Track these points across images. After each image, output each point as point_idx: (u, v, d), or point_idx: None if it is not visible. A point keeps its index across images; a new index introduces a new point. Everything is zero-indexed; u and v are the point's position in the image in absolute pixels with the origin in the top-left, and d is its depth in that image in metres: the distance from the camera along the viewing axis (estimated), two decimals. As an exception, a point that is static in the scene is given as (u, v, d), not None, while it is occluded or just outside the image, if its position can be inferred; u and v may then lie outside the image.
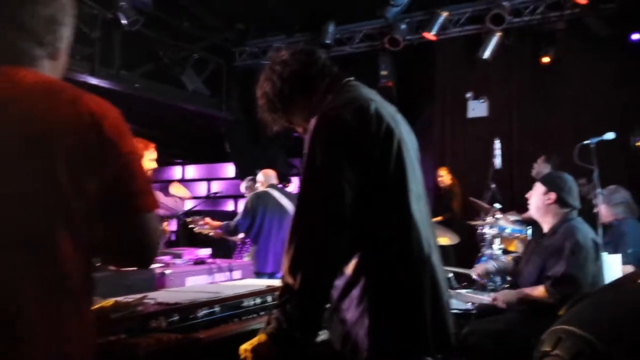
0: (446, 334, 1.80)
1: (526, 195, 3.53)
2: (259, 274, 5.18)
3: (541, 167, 6.06)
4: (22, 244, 1.23)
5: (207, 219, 5.45)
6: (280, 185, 5.80)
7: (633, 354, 1.38)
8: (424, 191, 1.93)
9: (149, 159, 4.23)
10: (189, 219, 5.47)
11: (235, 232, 5.48)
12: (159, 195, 4.24)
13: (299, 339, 1.68)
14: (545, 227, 3.40)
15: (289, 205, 5.55)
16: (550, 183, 3.38)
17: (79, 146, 1.28)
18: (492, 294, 3.51)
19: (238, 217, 5.47)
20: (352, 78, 1.98)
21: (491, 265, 3.82)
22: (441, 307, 1.79)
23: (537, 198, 3.39)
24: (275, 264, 5.30)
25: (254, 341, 1.71)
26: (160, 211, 4.25)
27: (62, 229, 1.26)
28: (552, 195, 3.31)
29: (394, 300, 1.73)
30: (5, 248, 1.22)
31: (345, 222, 1.69)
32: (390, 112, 1.88)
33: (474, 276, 3.84)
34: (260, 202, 5.41)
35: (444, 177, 7.73)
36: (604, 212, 4.31)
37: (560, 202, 3.31)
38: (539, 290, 3.17)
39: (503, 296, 3.34)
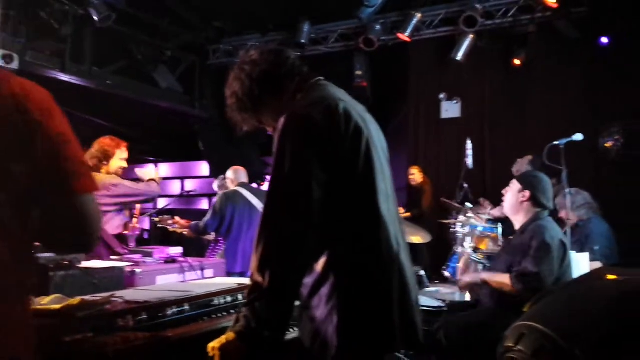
0: (414, 331, 1.82)
1: (502, 191, 3.58)
2: (228, 274, 5.15)
3: (523, 166, 6.14)
4: None
5: (177, 218, 5.40)
6: (254, 185, 5.78)
7: (592, 350, 1.41)
8: (393, 190, 1.95)
9: (120, 158, 4.16)
10: (157, 219, 5.41)
11: (204, 232, 5.44)
12: (127, 183, 4.14)
13: (268, 337, 1.68)
14: (517, 225, 3.46)
15: (258, 205, 5.53)
16: (526, 182, 3.44)
17: (2, 129, 1.24)
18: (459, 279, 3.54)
19: (207, 217, 5.43)
20: (321, 78, 1.99)
21: (466, 255, 3.85)
22: (409, 304, 1.81)
23: (512, 195, 3.44)
24: (244, 264, 5.28)
25: (222, 339, 1.70)
26: (136, 197, 4.18)
27: None
28: (527, 194, 3.37)
29: (363, 298, 1.74)
30: None
31: (314, 220, 1.70)
32: (359, 112, 1.89)
33: (461, 283, 3.81)
34: (229, 202, 5.37)
35: (415, 175, 7.79)
36: (567, 216, 4.42)
37: (534, 200, 3.36)
38: (503, 277, 3.21)
39: (469, 277, 3.40)
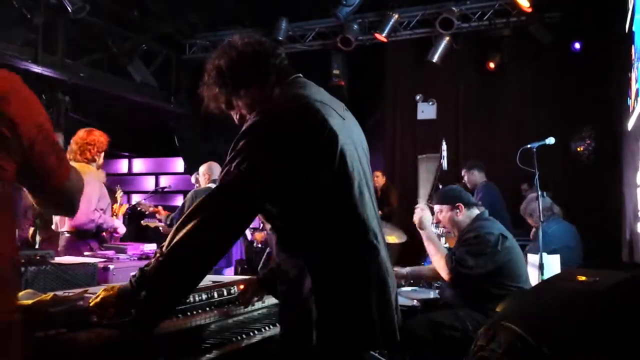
0: (392, 329, 1.83)
1: (434, 222, 3.75)
2: None
3: (476, 176, 6.30)
4: None
5: (159, 208, 5.41)
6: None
7: (561, 348, 1.45)
8: (373, 189, 1.96)
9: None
10: (138, 204, 5.40)
11: (171, 225, 5.42)
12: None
13: (142, 301, 1.70)
14: (463, 230, 3.58)
15: None
16: (450, 198, 3.59)
17: None
18: (437, 292, 3.61)
19: (176, 213, 5.41)
20: (300, 75, 1.98)
21: (405, 271, 3.91)
22: (388, 302, 1.82)
23: (449, 216, 3.57)
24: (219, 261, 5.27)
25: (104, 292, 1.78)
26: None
27: None
28: (460, 206, 3.52)
29: (341, 295, 1.75)
30: None
31: (241, 225, 1.77)
32: (337, 110, 1.89)
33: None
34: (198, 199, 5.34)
35: (379, 178, 7.83)
36: (530, 221, 4.52)
37: (467, 206, 3.53)
38: (440, 255, 3.36)
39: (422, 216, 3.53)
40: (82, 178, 1.58)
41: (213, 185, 5.52)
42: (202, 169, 5.69)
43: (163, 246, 1.72)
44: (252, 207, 1.75)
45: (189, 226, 1.67)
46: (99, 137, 4.14)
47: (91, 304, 1.78)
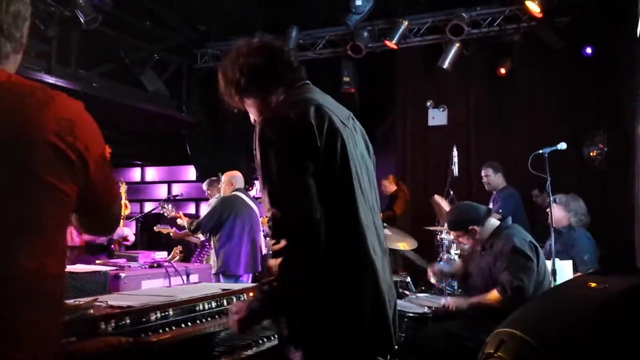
0: (388, 338, 1.82)
1: (460, 251, 3.71)
2: (228, 276, 5.18)
3: (500, 179, 6.20)
4: None
5: (181, 214, 5.46)
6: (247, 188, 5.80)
7: (570, 355, 1.43)
8: (376, 197, 1.96)
9: None
10: (161, 206, 5.45)
11: (195, 231, 5.45)
12: None
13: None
14: (485, 242, 3.54)
15: (255, 208, 5.56)
16: (464, 223, 3.55)
17: (52, 148, 1.28)
18: (448, 299, 3.59)
19: (202, 217, 5.43)
20: (308, 81, 2.00)
21: (447, 268, 3.92)
22: (383, 311, 1.81)
23: (468, 239, 3.57)
24: (247, 266, 5.32)
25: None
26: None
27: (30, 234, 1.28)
28: (476, 228, 3.50)
29: (334, 303, 1.75)
30: None
31: (317, 210, 1.72)
32: (341, 117, 1.90)
33: (429, 272, 3.93)
34: (228, 206, 5.39)
35: (387, 187, 7.77)
36: (559, 215, 4.44)
37: (480, 224, 3.50)
38: (491, 295, 3.25)
39: (454, 302, 3.44)
40: (121, 198, 1.65)
41: (239, 194, 5.56)
42: (225, 177, 5.73)
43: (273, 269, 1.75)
44: (307, 188, 1.73)
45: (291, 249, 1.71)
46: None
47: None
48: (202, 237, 5.91)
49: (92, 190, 1.41)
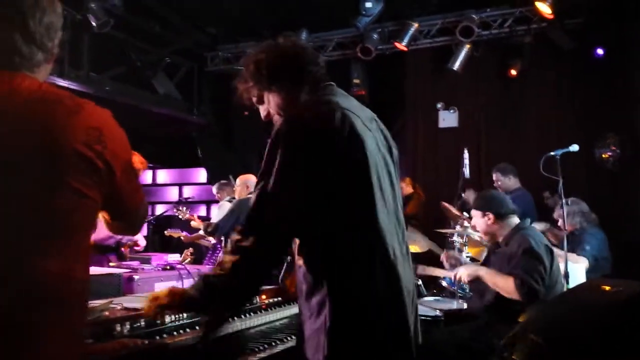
0: (407, 341, 1.81)
1: (471, 226, 3.68)
2: None
3: (512, 182, 6.17)
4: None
5: (195, 216, 5.49)
6: (251, 191, 5.80)
7: (580, 357, 1.43)
8: (398, 200, 1.95)
9: None
10: (176, 208, 5.48)
11: (213, 232, 5.48)
12: None
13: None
14: (498, 239, 3.51)
15: None
16: (483, 205, 3.54)
17: (80, 156, 1.31)
18: (458, 270, 3.55)
19: (219, 219, 5.46)
20: (332, 83, 2.01)
21: (462, 256, 3.90)
22: (403, 315, 1.80)
23: (480, 223, 3.54)
24: None
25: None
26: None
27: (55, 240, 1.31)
28: (490, 215, 3.48)
29: (354, 308, 1.74)
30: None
31: (291, 222, 1.75)
32: (364, 119, 1.89)
33: (443, 257, 3.91)
34: (245, 209, 5.39)
35: (404, 188, 7.78)
36: (563, 225, 4.44)
37: (499, 217, 3.47)
38: (505, 280, 3.21)
39: (466, 269, 3.42)
40: (146, 203, 1.68)
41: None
42: (239, 181, 5.76)
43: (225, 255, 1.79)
44: (293, 214, 1.76)
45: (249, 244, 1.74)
46: (137, 163, 4.25)
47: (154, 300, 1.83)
48: (213, 240, 5.93)
49: (118, 196, 1.46)
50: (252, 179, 5.77)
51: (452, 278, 3.54)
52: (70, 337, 1.34)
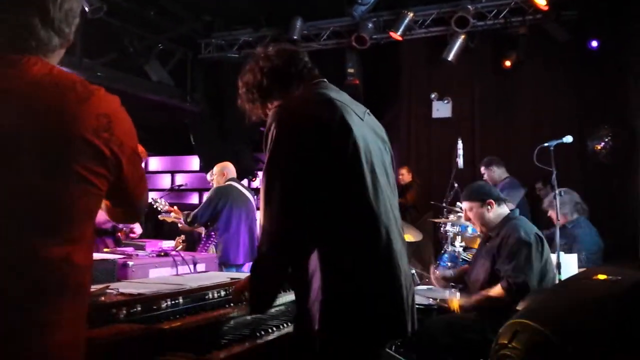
0: (402, 323, 1.85)
1: (464, 219, 3.70)
2: (229, 266, 5.21)
3: (496, 172, 6.21)
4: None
5: (175, 208, 5.48)
6: (245, 181, 5.81)
7: (584, 347, 1.45)
8: (393, 189, 1.99)
9: None
10: (153, 200, 5.46)
11: (192, 223, 5.47)
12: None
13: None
14: (489, 229, 3.53)
15: (251, 197, 5.59)
16: (480, 195, 3.56)
17: (87, 144, 1.31)
18: (453, 291, 3.59)
19: (198, 209, 5.47)
20: (324, 80, 2.07)
21: (449, 273, 3.92)
22: (398, 299, 1.84)
23: (479, 213, 3.53)
24: (245, 255, 5.34)
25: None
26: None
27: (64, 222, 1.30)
28: (491, 202, 3.50)
29: (349, 290, 1.79)
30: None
31: (301, 208, 1.79)
32: (357, 111, 1.95)
33: (432, 278, 3.92)
34: (223, 196, 5.43)
35: (404, 175, 7.87)
36: (554, 216, 4.46)
37: (497, 202, 3.51)
38: (495, 290, 3.25)
39: (460, 302, 3.43)
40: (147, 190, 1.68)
41: (233, 183, 5.58)
42: (217, 169, 5.75)
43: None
44: (294, 198, 1.80)
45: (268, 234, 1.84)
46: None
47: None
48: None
49: (124, 185, 1.45)
50: (228, 166, 5.76)
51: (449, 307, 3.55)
52: (76, 323, 1.34)
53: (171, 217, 5.65)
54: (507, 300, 3.14)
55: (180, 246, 3.87)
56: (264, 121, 2.09)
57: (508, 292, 3.15)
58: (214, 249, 5.39)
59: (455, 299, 3.43)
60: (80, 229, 1.34)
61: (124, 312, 1.88)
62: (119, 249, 3.28)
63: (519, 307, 1.95)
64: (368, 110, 2.06)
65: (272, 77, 2.04)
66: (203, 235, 5.70)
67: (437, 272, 3.96)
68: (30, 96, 1.29)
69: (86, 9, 6.57)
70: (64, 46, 1.44)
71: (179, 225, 5.62)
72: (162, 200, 5.64)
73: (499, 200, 3.52)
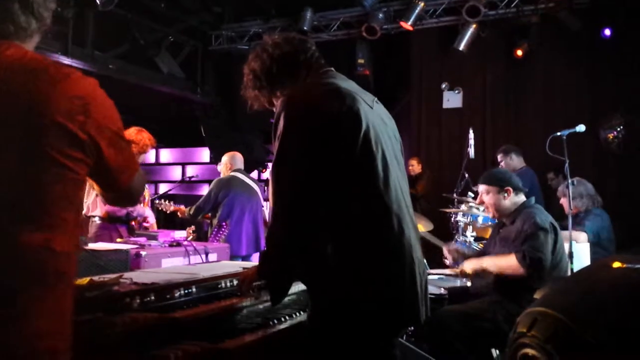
0: (415, 309, 1.85)
1: (477, 203, 3.68)
2: (233, 257, 5.22)
3: (515, 161, 6.15)
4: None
5: (181, 207, 5.51)
6: (255, 172, 5.81)
7: (605, 336, 1.44)
8: (403, 178, 1.98)
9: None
10: (157, 202, 5.49)
11: (196, 215, 5.50)
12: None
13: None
14: (504, 217, 3.51)
15: (256, 188, 5.59)
16: (499, 181, 3.54)
17: (61, 128, 1.28)
18: (458, 267, 3.57)
19: (200, 201, 5.50)
20: (331, 69, 2.05)
21: (464, 247, 3.91)
22: (411, 286, 1.83)
23: (495, 199, 3.51)
24: (248, 246, 5.35)
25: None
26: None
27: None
28: (509, 189, 3.47)
29: (361, 278, 1.79)
30: None
31: (311, 199, 1.78)
32: (366, 99, 1.94)
33: (445, 252, 3.91)
34: (224, 188, 5.43)
35: (414, 166, 7.86)
36: (566, 205, 4.43)
37: (515, 191, 3.48)
38: (507, 260, 3.24)
39: (469, 263, 3.42)
40: (144, 174, 1.66)
41: (237, 174, 5.59)
42: (224, 159, 5.77)
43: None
44: (304, 189, 1.80)
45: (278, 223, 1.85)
46: (146, 140, 4.29)
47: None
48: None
49: (106, 169, 1.42)
50: (235, 156, 5.77)
51: (458, 274, 3.54)
52: (56, 312, 1.31)
53: (179, 215, 5.68)
54: (517, 273, 3.14)
55: (191, 237, 3.90)
56: (274, 112, 2.09)
57: (521, 263, 3.14)
58: (225, 240, 5.41)
59: (465, 266, 3.42)
60: (60, 215, 1.31)
61: (138, 301, 1.89)
62: (131, 239, 3.31)
63: (537, 296, 1.94)
64: (376, 99, 2.05)
65: (281, 64, 2.02)
66: (214, 225, 5.73)
67: (451, 245, 3.95)
68: (2, 80, 1.27)
69: (97, 1, 6.60)
70: (41, 30, 1.42)
71: (179, 214, 5.65)
72: (166, 201, 5.65)
73: (517, 189, 3.49)
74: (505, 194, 3.45)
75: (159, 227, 4.78)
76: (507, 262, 3.22)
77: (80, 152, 1.32)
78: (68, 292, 1.37)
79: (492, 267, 3.31)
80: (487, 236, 4.59)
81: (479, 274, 3.39)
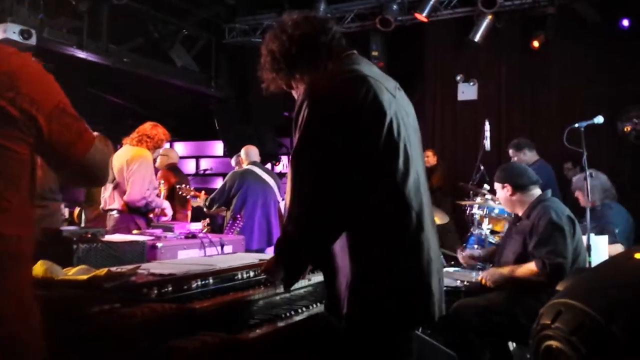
0: (431, 310, 1.82)
1: (495, 199, 3.66)
2: (246, 251, 5.24)
3: (527, 156, 6.09)
4: None
5: (202, 193, 5.56)
6: (268, 165, 5.83)
7: (630, 328, 1.41)
8: (422, 169, 1.94)
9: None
10: (178, 187, 5.55)
11: (210, 207, 5.55)
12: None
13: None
14: (520, 212, 3.48)
15: (271, 182, 5.60)
16: (501, 177, 3.52)
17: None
18: (480, 274, 3.57)
19: (214, 193, 5.53)
20: (355, 51, 1.98)
21: (477, 252, 3.89)
22: (428, 285, 1.81)
23: (501, 195, 3.53)
24: (260, 240, 5.36)
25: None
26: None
27: None
28: (508, 187, 3.45)
29: (379, 272, 1.77)
30: None
31: (332, 191, 1.73)
32: (389, 87, 1.88)
33: (459, 257, 3.90)
34: (238, 180, 5.47)
35: (429, 157, 7.80)
36: (582, 199, 4.38)
37: (518, 188, 3.43)
38: (527, 267, 3.21)
39: (490, 275, 3.39)
40: (108, 148, 1.60)
41: (252, 167, 5.61)
42: (241, 152, 5.83)
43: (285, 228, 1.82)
44: (325, 180, 1.74)
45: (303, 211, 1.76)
46: (160, 134, 4.32)
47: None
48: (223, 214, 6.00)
49: (50, 145, 1.35)
50: (250, 150, 5.81)
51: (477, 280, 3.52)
52: (10, 296, 1.27)
53: (197, 202, 5.73)
54: (539, 279, 3.10)
55: (206, 229, 3.92)
56: (287, 106, 2.06)
57: (542, 272, 3.11)
58: (239, 232, 5.43)
59: (487, 279, 3.39)
60: (4, 196, 1.27)
61: (155, 292, 1.90)
62: (147, 230, 3.32)
63: (559, 287, 1.90)
64: (398, 85, 1.98)
65: (301, 45, 1.93)
66: (229, 217, 5.75)
67: (465, 251, 3.94)
68: None
69: (112, -6, 6.63)
70: None
71: (205, 210, 5.70)
72: (186, 186, 5.71)
73: (533, 184, 3.45)
74: (520, 190, 3.42)
75: (173, 218, 4.82)
76: (527, 270, 3.20)
77: (17, 130, 1.27)
78: (23, 275, 1.33)
79: (512, 275, 3.28)
80: (502, 228, 4.56)
81: (501, 284, 3.35)
